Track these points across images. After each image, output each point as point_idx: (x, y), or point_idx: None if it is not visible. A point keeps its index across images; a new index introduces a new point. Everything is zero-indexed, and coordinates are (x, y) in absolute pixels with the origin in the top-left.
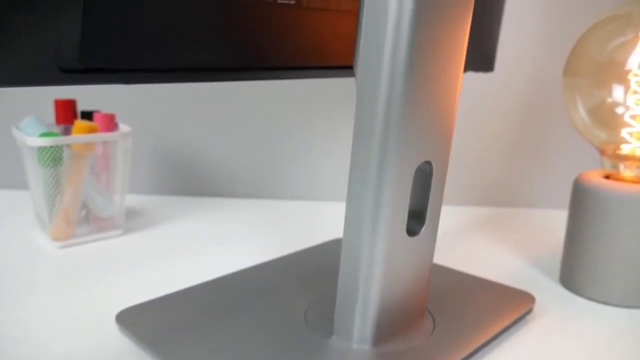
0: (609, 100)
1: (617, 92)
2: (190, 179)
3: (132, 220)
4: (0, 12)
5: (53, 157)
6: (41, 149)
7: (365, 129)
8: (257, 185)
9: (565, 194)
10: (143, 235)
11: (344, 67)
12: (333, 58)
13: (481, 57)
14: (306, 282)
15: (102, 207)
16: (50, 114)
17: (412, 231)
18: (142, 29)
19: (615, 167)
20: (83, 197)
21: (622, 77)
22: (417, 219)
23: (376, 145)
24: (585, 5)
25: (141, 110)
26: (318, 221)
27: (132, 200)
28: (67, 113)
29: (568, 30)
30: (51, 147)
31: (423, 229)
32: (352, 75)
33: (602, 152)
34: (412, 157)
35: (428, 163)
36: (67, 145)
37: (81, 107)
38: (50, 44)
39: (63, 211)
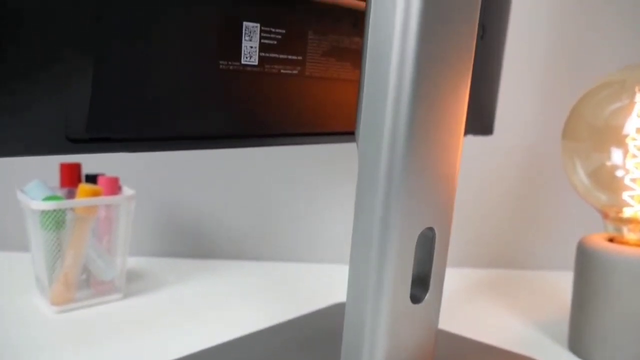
0: (609, 163)
1: (616, 155)
2: (192, 241)
3: (132, 284)
4: (9, 84)
5: (56, 221)
6: (44, 213)
7: (367, 196)
8: (259, 247)
9: (568, 256)
10: (143, 299)
11: (346, 133)
12: (335, 124)
13: (480, 121)
14: (309, 348)
15: (103, 270)
16: (55, 176)
17: (416, 298)
18: (148, 99)
19: (619, 230)
20: (84, 260)
21: (620, 141)
22: (421, 285)
23: (378, 212)
24: (580, 71)
25: (144, 172)
26: (321, 284)
27: (133, 262)
28: (71, 176)
29: (565, 94)
30: (54, 210)
31: (427, 295)
32: (354, 140)
33: (605, 215)
34: (415, 223)
35: (430, 229)
36: (71, 208)
37: (86, 168)
38: (57, 115)
39: (63, 275)
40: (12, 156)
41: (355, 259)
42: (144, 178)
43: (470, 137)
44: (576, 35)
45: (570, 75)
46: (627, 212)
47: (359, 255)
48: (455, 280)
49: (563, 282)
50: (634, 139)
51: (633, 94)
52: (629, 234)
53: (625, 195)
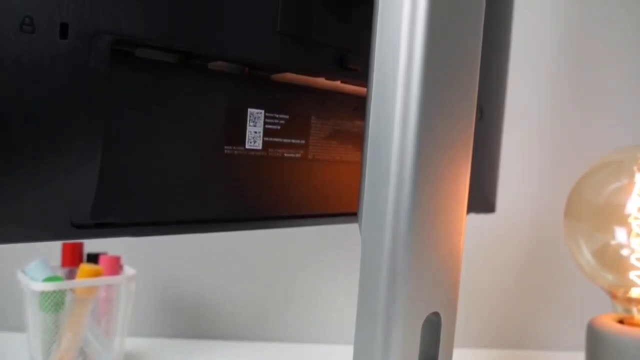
0: (613, 242)
1: (620, 234)
2: (192, 322)
3: None
4: (16, 170)
5: (55, 302)
6: (43, 294)
7: (370, 281)
8: (260, 327)
9: (576, 336)
10: None
11: (348, 214)
12: (337, 205)
13: (483, 199)
14: None
15: (99, 353)
16: (57, 254)
17: None
18: (153, 185)
19: (628, 310)
20: (81, 343)
21: (623, 220)
22: None
23: (382, 299)
24: (579, 149)
25: (145, 250)
26: None
27: (132, 343)
28: (73, 256)
29: (565, 171)
30: (54, 291)
31: None
32: (357, 221)
33: (613, 296)
34: (420, 309)
35: (436, 314)
36: (71, 289)
37: (88, 245)
38: (62, 201)
39: (59, 358)
40: (15, 242)
41: (359, 346)
42: (145, 256)
43: (472, 215)
44: (575, 114)
45: (569, 153)
46: (635, 292)
47: (363, 342)
48: None
49: None
50: (637, 218)
51: (632, 174)
52: (638, 315)
53: (633, 275)
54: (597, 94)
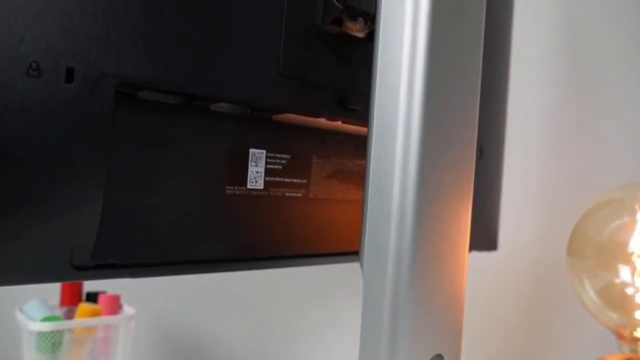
0: (617, 281)
1: (624, 273)
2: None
3: None
4: (17, 213)
5: (52, 343)
6: (41, 334)
7: (372, 322)
8: None
9: None
10: None
11: (350, 253)
12: (339, 244)
13: (484, 236)
14: None
15: None
16: (56, 293)
17: None
18: (154, 226)
19: (634, 350)
20: None
21: (626, 258)
22: None
23: (385, 341)
24: (580, 185)
25: (144, 290)
26: None
27: None
28: (72, 295)
29: (567, 207)
30: (52, 332)
31: None
32: (358, 260)
33: (619, 336)
34: (423, 351)
35: (439, 356)
36: (69, 329)
37: (87, 283)
38: (63, 242)
39: None
40: (15, 284)
41: None
42: (145, 295)
43: (475, 253)
44: (575, 150)
45: (570, 189)
46: None
47: None
48: None
49: None
50: None
51: (634, 212)
52: None
53: (638, 315)
54: (596, 131)
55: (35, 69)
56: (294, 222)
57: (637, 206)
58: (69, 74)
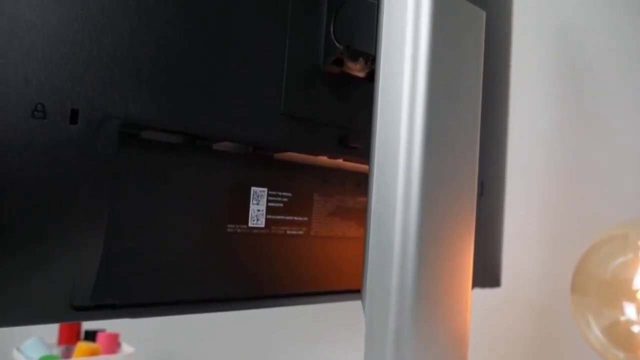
0: (623, 319)
1: (629, 311)
2: None
3: None
4: (17, 255)
5: None
6: None
7: None
8: None
9: None
10: None
11: (352, 291)
12: (341, 283)
13: (487, 273)
14: None
15: None
16: (54, 331)
17: None
18: (154, 266)
19: None
20: None
21: (631, 296)
22: None
23: None
24: (580, 222)
25: (143, 328)
26: None
27: None
28: (70, 333)
29: (569, 245)
30: None
31: None
32: (360, 298)
33: None
34: None
35: None
36: None
37: (86, 322)
38: (63, 284)
39: None
40: (14, 325)
41: None
42: (144, 333)
43: (478, 290)
44: (576, 186)
45: (572, 225)
46: None
47: None
48: None
49: None
50: None
51: (637, 248)
52: None
53: None
54: (598, 166)
55: (41, 111)
56: (295, 260)
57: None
58: (74, 116)
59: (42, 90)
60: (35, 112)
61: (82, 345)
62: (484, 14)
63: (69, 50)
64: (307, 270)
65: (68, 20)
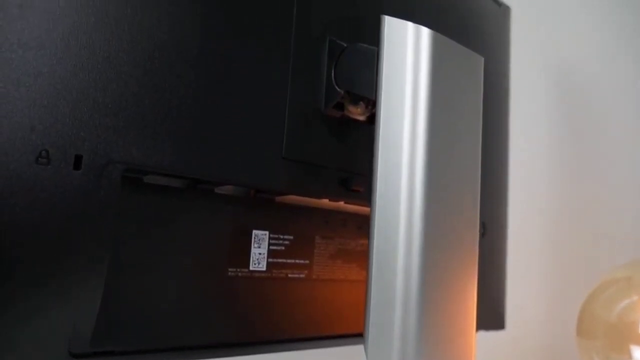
0: None
1: (637, 354)
2: None
3: None
4: (16, 301)
5: None
6: None
7: None
8: None
9: None
10: None
11: (354, 335)
12: (342, 327)
13: (491, 315)
14: None
15: None
16: None
17: None
18: (154, 311)
19: None
20: None
21: (638, 339)
22: None
23: None
24: (585, 262)
25: None
26: None
27: None
28: None
29: (573, 286)
30: None
31: None
32: (362, 342)
33: None
34: None
35: None
36: None
37: None
38: (61, 330)
39: None
40: None
41: None
42: None
43: (482, 333)
44: (579, 227)
45: (576, 266)
46: None
47: None
48: None
49: None
50: None
51: None
52: None
53: None
54: (601, 207)
55: (45, 157)
56: (296, 304)
57: None
58: (77, 161)
59: (47, 137)
60: (40, 159)
61: None
62: (482, 59)
63: (74, 98)
64: (308, 314)
65: (74, 69)
